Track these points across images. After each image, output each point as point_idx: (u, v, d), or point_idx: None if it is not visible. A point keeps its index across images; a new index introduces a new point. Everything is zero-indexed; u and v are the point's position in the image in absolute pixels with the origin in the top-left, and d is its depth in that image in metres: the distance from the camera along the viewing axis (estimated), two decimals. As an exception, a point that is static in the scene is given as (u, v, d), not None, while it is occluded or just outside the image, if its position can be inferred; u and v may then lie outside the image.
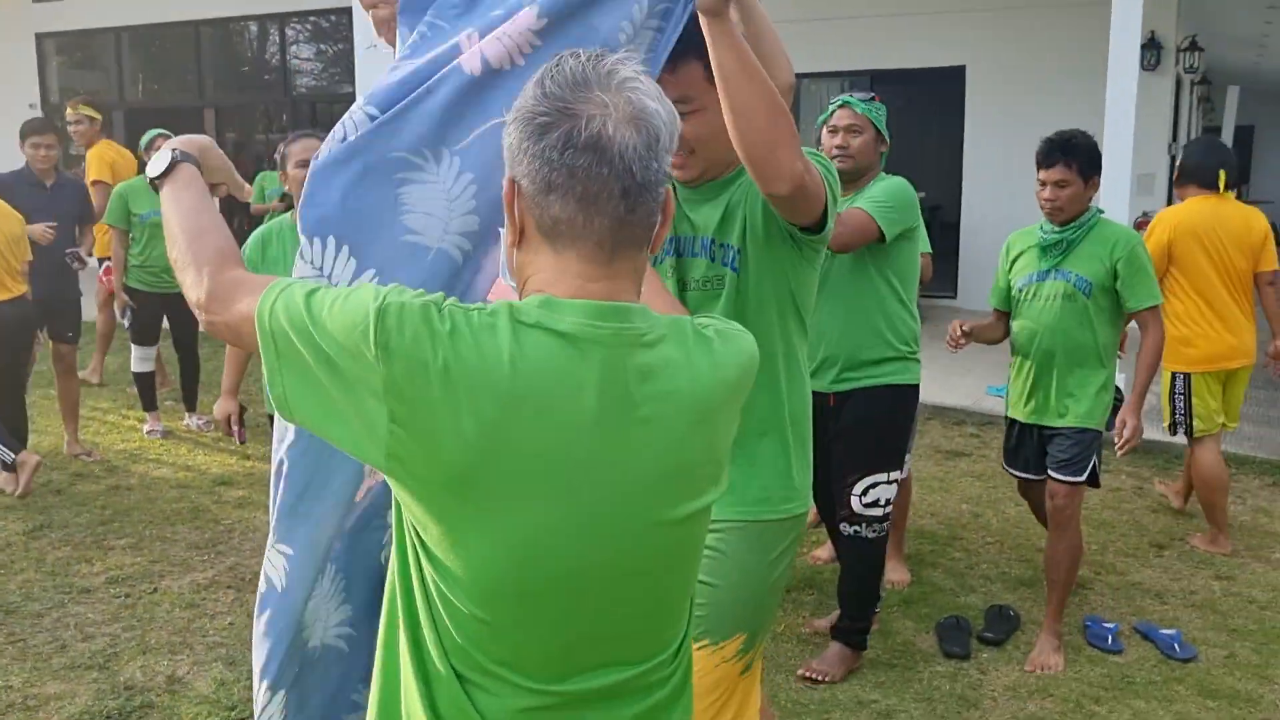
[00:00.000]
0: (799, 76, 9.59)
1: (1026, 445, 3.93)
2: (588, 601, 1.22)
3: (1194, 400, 4.81)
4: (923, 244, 3.82)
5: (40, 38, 14.98)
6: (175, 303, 6.10)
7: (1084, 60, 8.83)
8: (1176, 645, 3.84)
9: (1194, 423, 4.81)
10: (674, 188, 2.09)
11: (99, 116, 7.25)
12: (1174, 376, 4.87)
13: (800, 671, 3.59)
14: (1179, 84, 11.39)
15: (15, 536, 4.77)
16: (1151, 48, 9.43)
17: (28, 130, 5.86)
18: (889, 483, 3.58)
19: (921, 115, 11.01)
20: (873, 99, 3.68)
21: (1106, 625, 3.96)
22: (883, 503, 3.58)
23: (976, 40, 10.20)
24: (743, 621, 2.07)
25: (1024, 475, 4.02)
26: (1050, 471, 3.81)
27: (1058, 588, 3.82)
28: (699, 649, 2.02)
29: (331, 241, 1.61)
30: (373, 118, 1.63)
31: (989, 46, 10.16)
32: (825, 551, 4.56)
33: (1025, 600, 4.25)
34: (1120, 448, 3.75)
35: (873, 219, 3.44)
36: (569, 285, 1.20)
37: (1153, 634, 3.93)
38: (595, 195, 1.17)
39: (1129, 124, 6.48)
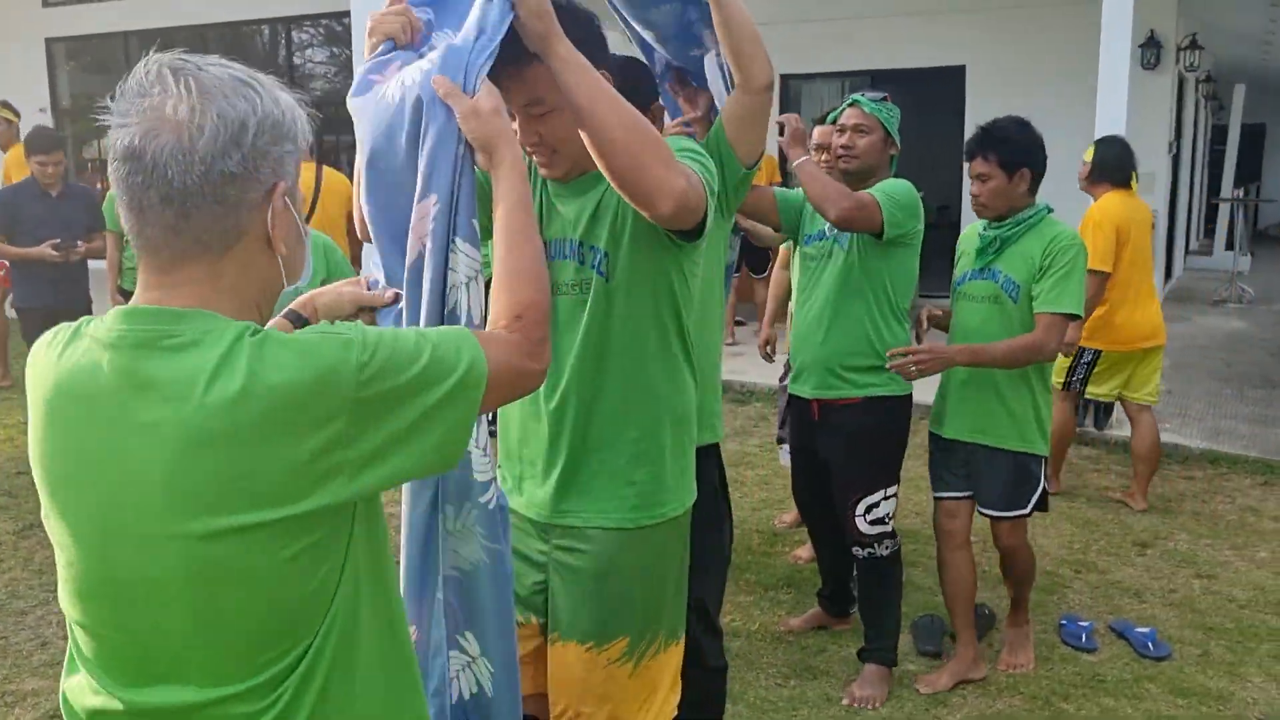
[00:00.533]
0: (798, 77, 9.67)
1: (953, 462, 3.57)
2: (137, 610, 1.19)
3: (1093, 372, 5.38)
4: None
5: (50, 42, 15.12)
6: None
7: (1084, 60, 8.75)
8: (1150, 644, 3.84)
9: (1087, 388, 5.43)
10: (545, 184, 2.04)
11: (16, 119, 7.36)
12: (1084, 350, 5.31)
13: (843, 701, 3.48)
14: (1182, 82, 11.34)
15: (5, 535, 4.83)
16: (1151, 46, 9.40)
17: (31, 148, 5.86)
18: (888, 498, 3.51)
19: (921, 115, 10.95)
20: (884, 99, 3.50)
21: (1082, 624, 3.97)
22: (886, 519, 3.52)
23: (976, 40, 10.19)
24: (624, 625, 2.04)
25: (948, 495, 3.60)
26: (983, 509, 3.56)
27: (1019, 587, 3.76)
28: (585, 650, 2.04)
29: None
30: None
31: (989, 46, 10.16)
32: (805, 551, 4.56)
33: (1003, 599, 4.23)
34: (891, 363, 3.28)
35: (880, 208, 3.26)
36: (139, 294, 1.23)
37: (1127, 632, 3.93)
38: (139, 204, 1.18)
39: (1120, 124, 6.45)
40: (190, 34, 13.98)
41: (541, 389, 1.94)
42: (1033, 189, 3.41)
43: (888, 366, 3.31)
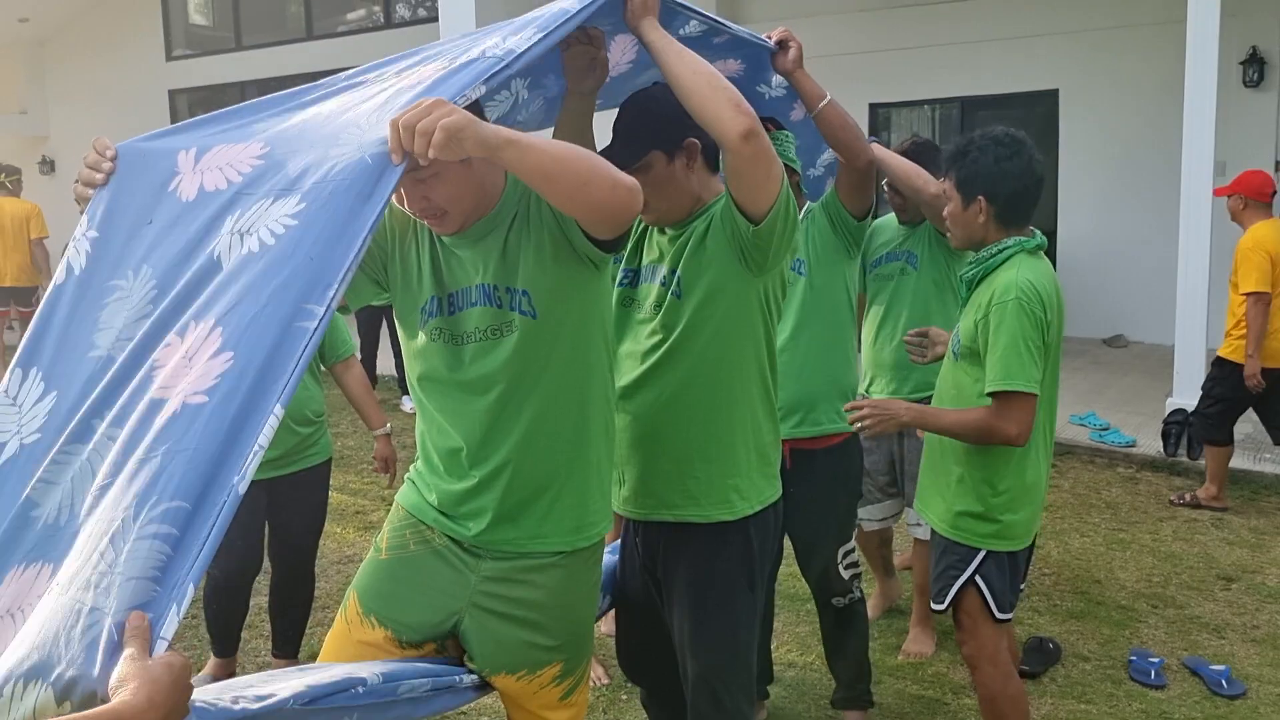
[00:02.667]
0: (888, 105, 9.70)
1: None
2: None
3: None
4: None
5: (172, 94, 15.93)
6: None
7: (1179, 80, 8.58)
8: (1224, 681, 3.70)
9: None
10: (438, 238, 2.07)
11: None
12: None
13: None
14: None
15: None
16: (1253, 63, 9.09)
17: None
18: (854, 540, 3.37)
19: (1015, 140, 10.82)
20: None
21: (1152, 660, 3.85)
22: (857, 562, 3.36)
23: (1069, 63, 9.99)
24: (556, 651, 2.11)
25: None
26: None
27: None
28: (516, 680, 2.10)
29: (34, 372, 1.75)
30: (93, 240, 1.79)
31: (1082, 69, 9.94)
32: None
33: (1070, 633, 4.15)
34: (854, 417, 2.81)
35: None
36: None
37: (1200, 669, 3.80)
38: None
39: (1208, 145, 6.29)
40: (300, 82, 14.55)
41: (469, 434, 2.05)
42: (1003, 222, 2.74)
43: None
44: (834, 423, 3.21)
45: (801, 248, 3.23)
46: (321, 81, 2.02)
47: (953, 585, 2.78)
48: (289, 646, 3.84)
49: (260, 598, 3.98)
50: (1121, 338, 9.95)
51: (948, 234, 3.00)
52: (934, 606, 2.86)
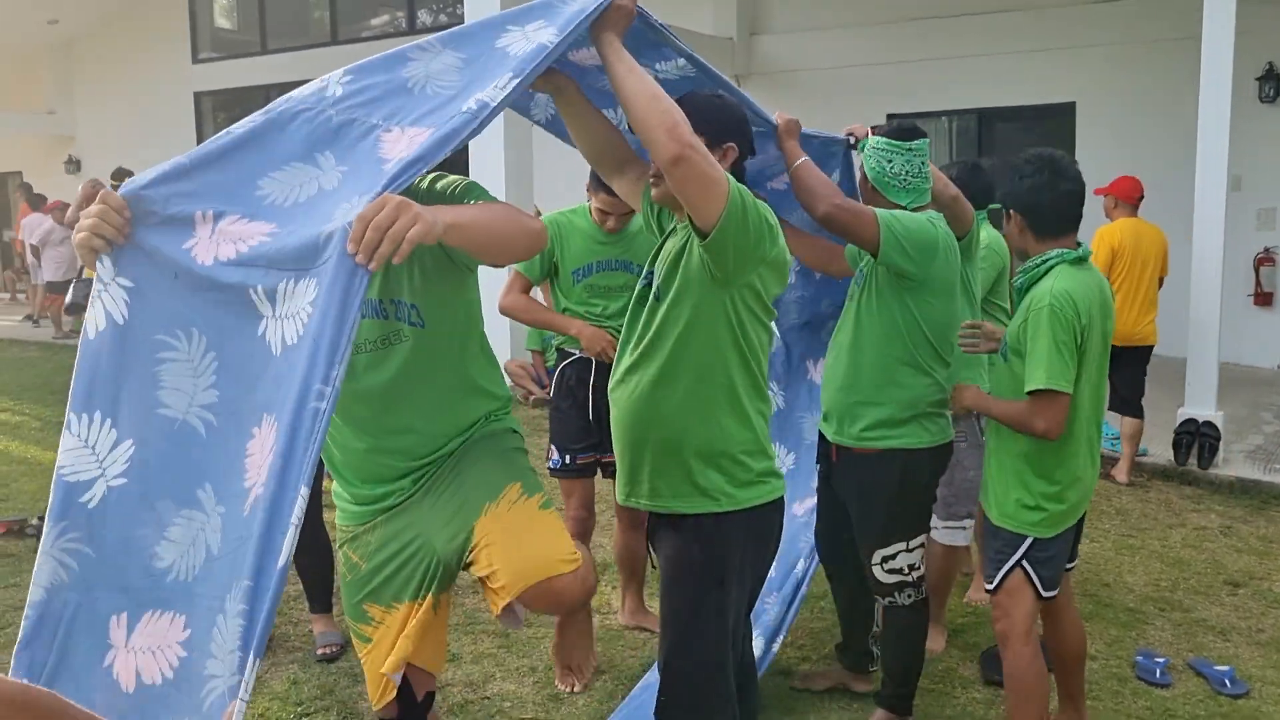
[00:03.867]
0: (905, 117, 9.73)
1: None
2: None
3: None
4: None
5: (198, 95, 16.15)
6: None
7: (1197, 93, 8.67)
8: (1228, 681, 3.80)
9: None
10: None
11: None
12: None
13: None
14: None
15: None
16: (1270, 79, 9.18)
17: None
18: (910, 550, 3.32)
19: (1031, 152, 10.91)
20: None
21: (1158, 659, 3.94)
22: (906, 570, 3.32)
23: (1086, 76, 10.09)
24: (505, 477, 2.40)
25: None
26: None
27: (1014, 717, 3.13)
28: (485, 516, 2.32)
29: (98, 416, 1.93)
30: (129, 290, 1.95)
31: (1099, 82, 10.04)
32: None
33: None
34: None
35: (878, 225, 3.02)
36: None
37: (1204, 669, 3.89)
38: None
39: (1222, 160, 6.38)
40: (324, 85, 14.76)
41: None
42: (1037, 234, 2.99)
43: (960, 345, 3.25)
44: (873, 438, 3.23)
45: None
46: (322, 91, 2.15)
47: (1002, 569, 3.05)
48: (317, 604, 4.15)
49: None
50: (1136, 349, 10.02)
51: (970, 225, 3.32)
52: (985, 588, 3.15)
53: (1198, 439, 6.44)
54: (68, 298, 9.25)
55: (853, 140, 3.54)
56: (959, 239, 3.39)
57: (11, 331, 14.14)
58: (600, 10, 2.23)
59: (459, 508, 2.32)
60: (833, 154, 3.59)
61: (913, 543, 3.33)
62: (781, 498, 2.61)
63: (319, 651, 3.99)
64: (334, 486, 2.48)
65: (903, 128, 3.30)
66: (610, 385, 2.61)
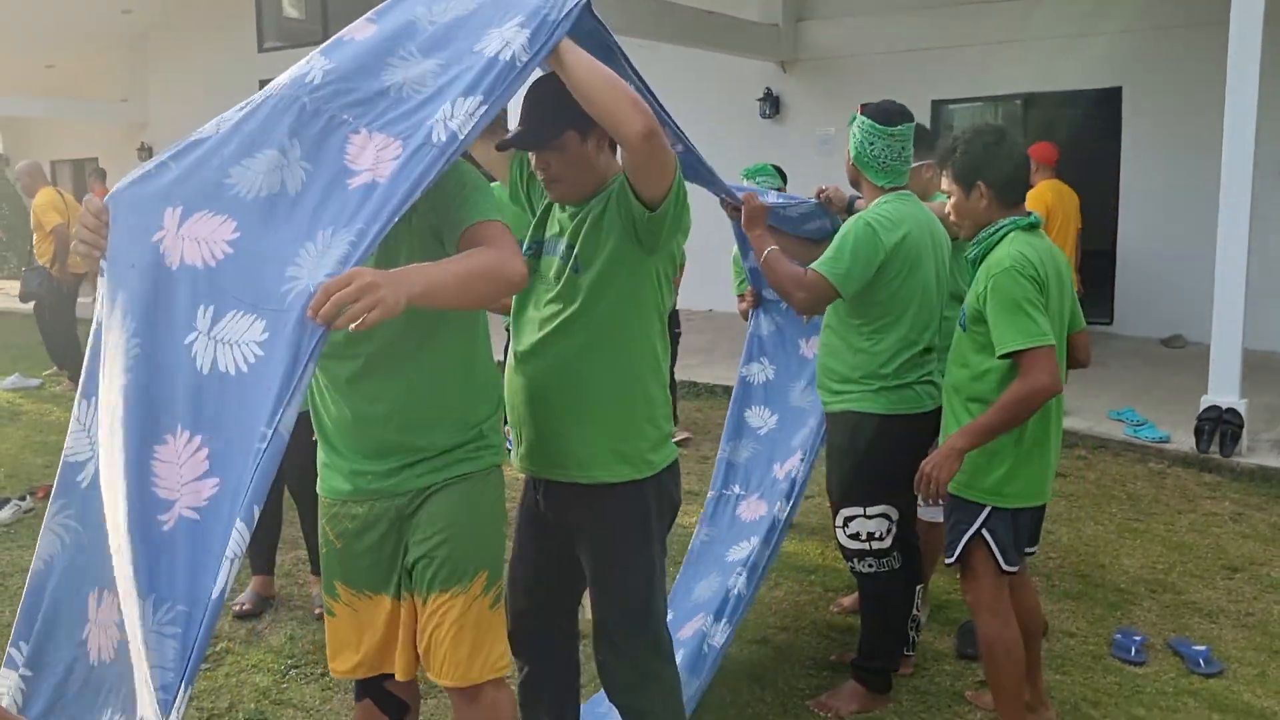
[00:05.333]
0: (950, 102, 9.71)
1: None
2: None
3: None
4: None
5: (263, 84, 16.45)
6: None
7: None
8: (1202, 660, 3.81)
9: None
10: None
11: None
12: None
13: (809, 702, 3.57)
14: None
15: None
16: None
17: None
18: (868, 517, 3.41)
19: (1076, 138, 10.77)
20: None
21: (1135, 638, 3.96)
22: (864, 536, 3.41)
23: (1132, 61, 9.93)
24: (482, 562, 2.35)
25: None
26: None
27: (991, 685, 3.19)
28: (451, 596, 2.31)
29: (92, 400, 2.05)
30: (108, 286, 2.04)
31: (1145, 67, 9.88)
32: (849, 600, 4.33)
33: (1063, 612, 4.28)
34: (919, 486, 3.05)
35: (825, 282, 3.24)
36: None
37: (1181, 648, 3.91)
38: None
39: (1249, 144, 6.30)
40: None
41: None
42: (1002, 202, 3.05)
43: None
44: (829, 400, 3.48)
45: None
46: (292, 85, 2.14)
47: (961, 539, 3.08)
48: (318, 566, 4.27)
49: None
50: (1180, 338, 9.87)
51: (958, 235, 3.28)
52: (945, 560, 3.19)
53: (1220, 426, 6.37)
54: (20, 286, 9.35)
55: (824, 199, 3.73)
56: (954, 239, 3.49)
57: (84, 311, 14.71)
58: (575, 13, 2.20)
59: (429, 558, 2.34)
60: (813, 213, 3.75)
61: (870, 510, 3.41)
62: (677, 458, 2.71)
63: (316, 610, 4.18)
64: (320, 456, 2.48)
65: (887, 111, 3.39)
66: (517, 359, 2.60)
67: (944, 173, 3.12)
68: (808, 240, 3.75)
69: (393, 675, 2.45)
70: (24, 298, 9.35)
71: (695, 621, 3.51)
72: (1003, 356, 2.90)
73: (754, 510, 3.78)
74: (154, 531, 1.82)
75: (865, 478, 3.41)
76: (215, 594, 1.74)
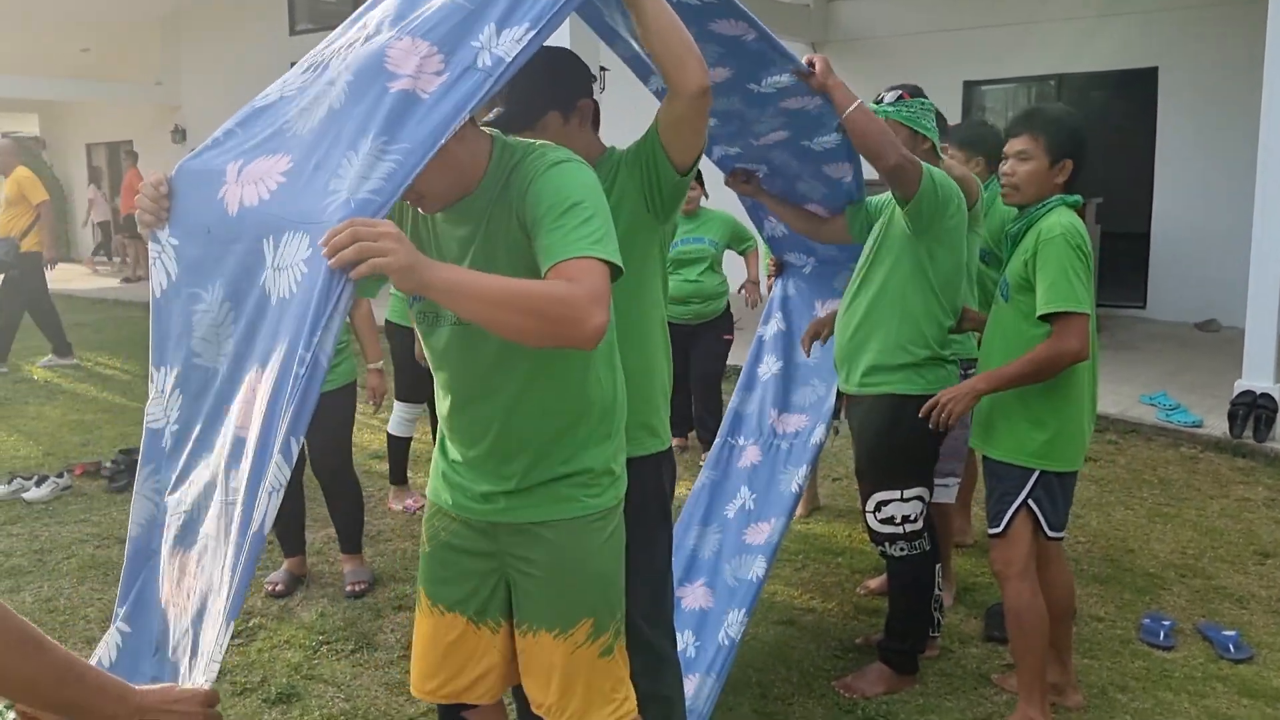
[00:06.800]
0: (982, 83, 9.66)
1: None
2: None
3: None
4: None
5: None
6: None
7: None
8: (1232, 646, 3.79)
9: None
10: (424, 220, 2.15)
11: None
12: None
13: (833, 683, 3.58)
14: None
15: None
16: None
17: None
18: (904, 500, 3.40)
19: (1111, 120, 10.64)
20: (900, 97, 3.56)
21: (1164, 623, 3.95)
22: (898, 520, 3.41)
23: (1168, 41, 9.80)
24: (584, 608, 2.20)
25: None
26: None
27: (1016, 654, 3.25)
28: (554, 638, 2.19)
29: (165, 368, 2.03)
30: (176, 247, 2.03)
31: (1181, 47, 9.75)
32: (875, 582, 4.36)
33: (1091, 596, 4.26)
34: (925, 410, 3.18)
35: (920, 176, 3.17)
36: None
37: (1211, 633, 3.89)
38: None
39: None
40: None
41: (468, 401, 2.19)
42: (1072, 181, 3.09)
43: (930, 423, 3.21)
44: (869, 383, 3.42)
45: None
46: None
47: (1009, 509, 3.11)
48: (349, 544, 4.44)
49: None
50: (1214, 322, 9.77)
51: (978, 195, 3.44)
52: (990, 531, 3.18)
53: (1254, 411, 6.31)
54: None
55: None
56: (969, 208, 3.51)
57: (129, 293, 14.96)
58: None
59: (532, 598, 2.22)
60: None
61: (907, 493, 3.41)
62: None
63: (347, 588, 4.24)
64: (437, 460, 2.35)
65: (916, 89, 3.58)
66: None
67: (1029, 134, 3.06)
68: (813, 216, 3.71)
69: (471, 705, 2.36)
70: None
71: (696, 589, 3.55)
72: (1042, 317, 2.96)
73: (749, 458, 3.82)
74: (258, 484, 1.77)
75: (903, 459, 3.42)
76: (254, 528, 1.70)
